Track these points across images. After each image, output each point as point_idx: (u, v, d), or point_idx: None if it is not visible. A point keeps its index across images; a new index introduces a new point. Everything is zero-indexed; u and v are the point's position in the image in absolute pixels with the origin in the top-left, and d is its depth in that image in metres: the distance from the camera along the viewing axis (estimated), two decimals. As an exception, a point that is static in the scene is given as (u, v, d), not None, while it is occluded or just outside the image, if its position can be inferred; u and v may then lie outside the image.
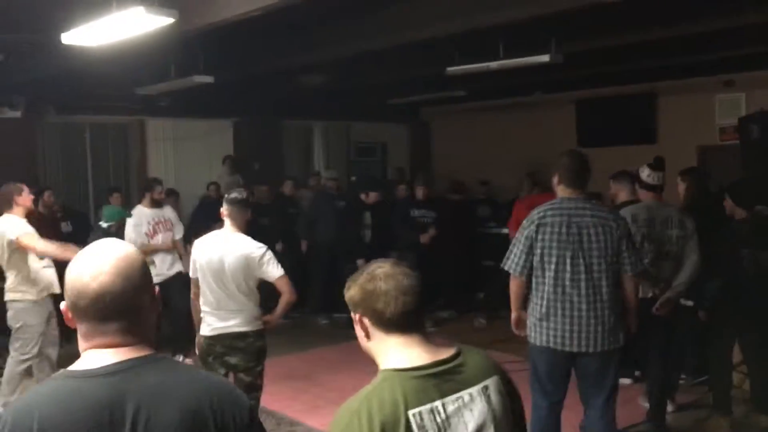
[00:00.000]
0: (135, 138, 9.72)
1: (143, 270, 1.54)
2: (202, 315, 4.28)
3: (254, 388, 4.26)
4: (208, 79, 6.58)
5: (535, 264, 3.71)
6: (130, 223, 6.46)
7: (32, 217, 5.63)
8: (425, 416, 1.65)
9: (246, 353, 4.21)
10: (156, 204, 6.80)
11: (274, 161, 10.63)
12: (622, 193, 5.41)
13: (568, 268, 3.63)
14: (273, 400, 5.80)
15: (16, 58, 6.69)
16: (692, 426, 5.08)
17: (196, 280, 4.29)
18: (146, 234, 6.59)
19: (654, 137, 9.54)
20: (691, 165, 7.63)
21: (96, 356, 1.47)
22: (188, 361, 6.09)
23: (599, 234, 3.64)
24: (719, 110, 9.00)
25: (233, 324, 4.18)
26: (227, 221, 4.29)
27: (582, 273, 3.63)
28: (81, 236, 7.41)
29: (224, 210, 4.29)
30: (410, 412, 1.64)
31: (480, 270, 9.12)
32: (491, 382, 1.75)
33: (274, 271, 4.17)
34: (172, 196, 8.88)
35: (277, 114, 10.56)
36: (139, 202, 6.95)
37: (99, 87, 8.05)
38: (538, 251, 3.68)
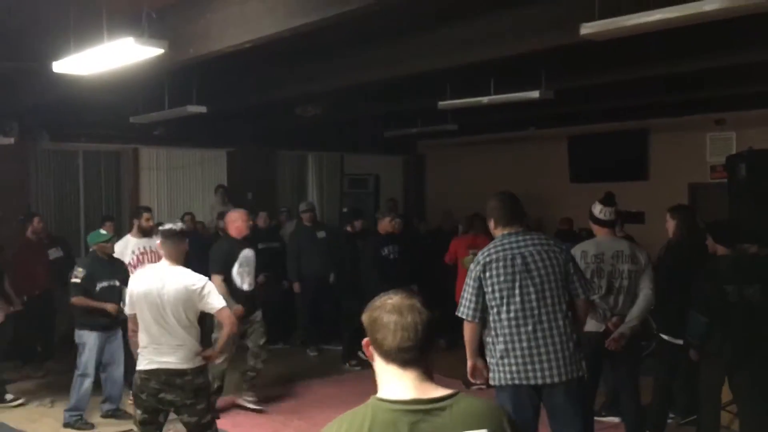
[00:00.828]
0: (128, 166, 9.74)
1: None
2: (139, 350, 4.12)
3: (207, 427, 4.14)
4: (202, 109, 6.61)
5: (488, 304, 3.67)
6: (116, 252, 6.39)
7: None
8: None
9: (184, 390, 4.03)
10: (144, 233, 6.60)
11: (267, 191, 10.65)
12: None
13: (519, 299, 3.60)
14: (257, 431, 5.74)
15: (9, 86, 6.73)
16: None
17: (134, 316, 4.14)
18: (130, 264, 6.37)
19: (646, 174, 9.61)
20: (682, 202, 7.67)
21: None
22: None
23: (545, 260, 3.65)
24: (710, 148, 9.08)
25: (171, 360, 4.02)
26: (163, 255, 4.16)
27: (534, 302, 3.61)
28: (68, 262, 7.43)
29: (159, 242, 4.22)
30: None
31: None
32: None
33: (215, 302, 4.09)
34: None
35: (271, 144, 10.61)
36: (130, 230, 6.88)
37: (93, 115, 8.09)
38: (489, 289, 3.65)
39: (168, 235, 4.17)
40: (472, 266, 3.78)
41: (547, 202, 10.33)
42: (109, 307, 5.80)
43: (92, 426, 5.93)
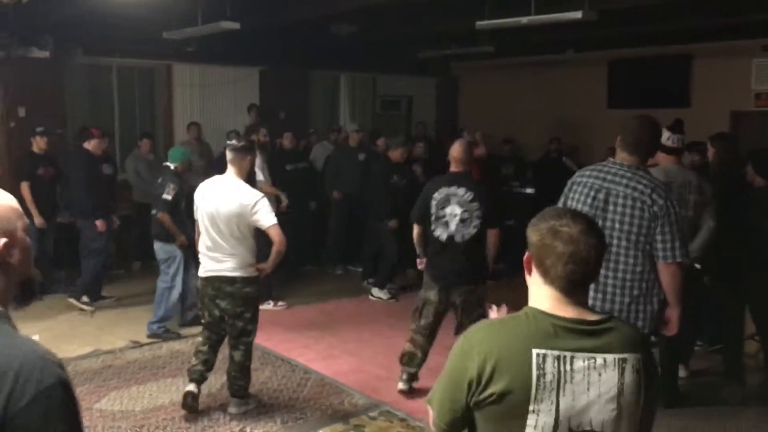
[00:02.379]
0: (161, 82, 9.72)
1: None
2: (200, 256, 4.50)
3: (244, 334, 4.49)
4: (235, 25, 6.53)
5: None
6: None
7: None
8: (549, 360, 1.66)
9: (234, 298, 4.37)
10: None
11: (299, 111, 10.59)
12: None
13: None
14: (288, 347, 5.92)
15: (44, -2, 6.68)
16: (705, 392, 5.08)
17: (197, 222, 4.51)
18: None
19: (687, 101, 9.34)
20: (723, 130, 7.48)
21: None
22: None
23: (626, 207, 3.32)
24: (756, 75, 8.77)
25: (224, 268, 4.35)
26: (229, 167, 4.43)
27: None
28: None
29: (227, 156, 4.44)
30: (535, 351, 1.66)
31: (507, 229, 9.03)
32: (632, 358, 1.71)
33: (265, 219, 4.29)
34: (192, 128, 8.98)
35: (303, 63, 10.48)
36: (165, 147, 6.99)
37: (126, 30, 8.02)
38: None
39: (233, 149, 4.43)
40: (568, 183, 3.58)
41: (583, 128, 10.16)
42: (181, 239, 5.98)
43: (179, 335, 6.15)
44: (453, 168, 4.95)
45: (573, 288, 1.72)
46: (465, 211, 4.71)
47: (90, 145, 6.99)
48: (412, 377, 4.93)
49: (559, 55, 10.14)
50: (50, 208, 7.31)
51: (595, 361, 1.68)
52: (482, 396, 1.69)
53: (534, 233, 1.76)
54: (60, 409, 1.29)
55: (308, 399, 4.88)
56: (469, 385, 1.70)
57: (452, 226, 4.72)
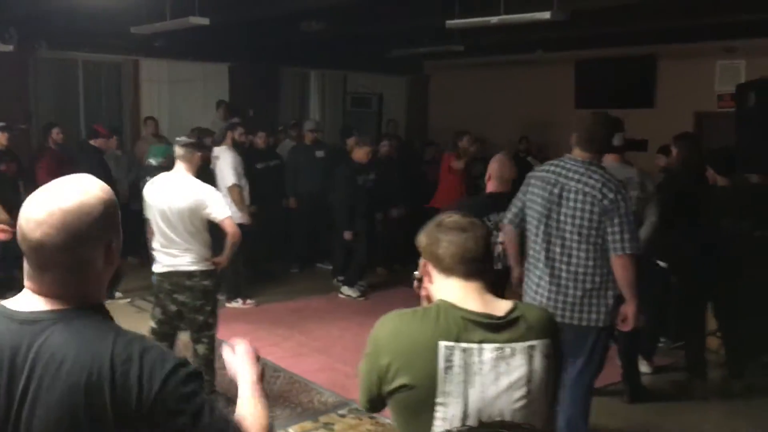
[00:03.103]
0: (128, 78, 9.60)
1: (97, 222, 1.39)
2: (154, 253, 4.51)
3: (206, 327, 4.50)
4: (204, 21, 6.46)
5: (526, 220, 3.63)
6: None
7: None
8: (456, 352, 1.68)
9: (193, 291, 4.39)
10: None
11: (269, 108, 10.54)
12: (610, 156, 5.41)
13: (542, 228, 3.49)
14: (257, 345, 5.78)
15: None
16: (668, 388, 5.18)
17: (149, 221, 4.51)
18: None
19: (652, 101, 9.50)
20: (687, 130, 7.62)
21: (27, 298, 1.42)
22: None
23: (578, 202, 3.39)
24: (719, 77, 8.94)
25: (181, 263, 4.37)
26: (179, 163, 4.44)
27: (551, 237, 3.45)
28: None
29: (176, 152, 4.47)
30: (442, 343, 1.69)
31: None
32: (540, 344, 1.75)
33: (218, 212, 4.34)
34: (150, 122, 8.90)
35: (273, 60, 10.43)
36: (133, 143, 6.93)
37: (93, 24, 7.90)
38: (528, 209, 3.60)
39: (182, 145, 4.46)
40: (527, 177, 3.70)
41: (552, 127, 10.26)
42: None
43: None
44: (496, 188, 4.41)
45: (473, 269, 1.77)
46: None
47: (97, 142, 7.34)
48: None
49: (528, 55, 10.22)
50: (14, 204, 7.17)
51: (503, 351, 1.71)
52: (391, 387, 1.73)
53: (422, 237, 1.85)
54: (188, 383, 1.39)
55: (277, 397, 4.87)
56: (379, 376, 1.75)
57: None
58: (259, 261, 8.65)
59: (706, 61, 9.00)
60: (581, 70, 10.21)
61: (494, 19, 6.21)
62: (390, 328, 1.77)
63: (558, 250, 3.47)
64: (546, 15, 5.81)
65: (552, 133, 10.19)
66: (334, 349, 5.87)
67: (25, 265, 1.42)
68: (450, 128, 11.16)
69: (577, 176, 3.45)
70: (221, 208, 4.36)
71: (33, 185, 6.93)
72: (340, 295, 7.57)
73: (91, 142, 7.39)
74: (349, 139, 8.56)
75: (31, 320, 1.38)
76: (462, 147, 8.19)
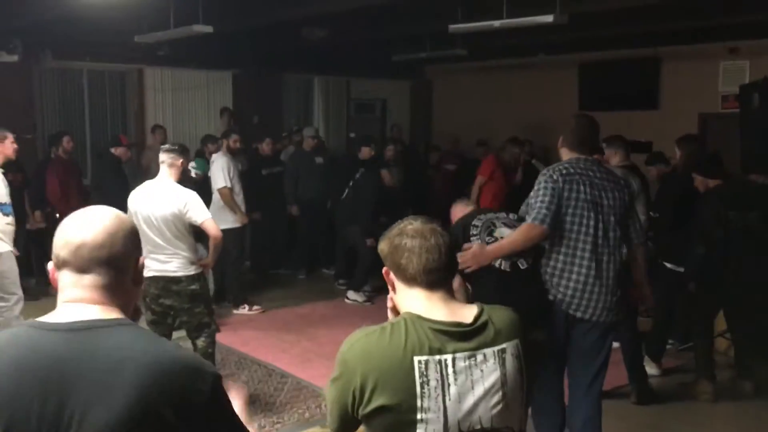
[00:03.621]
0: (133, 86, 9.63)
1: (132, 236, 1.53)
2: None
3: (202, 327, 4.59)
4: (208, 29, 6.48)
5: (564, 221, 3.45)
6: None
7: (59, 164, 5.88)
8: (431, 365, 1.65)
9: (180, 296, 4.49)
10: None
11: (273, 115, 10.56)
12: (615, 158, 5.41)
13: (592, 230, 3.43)
14: (265, 352, 5.90)
15: (12, 1, 6.59)
16: (677, 389, 5.16)
17: None
18: None
19: (656, 103, 9.49)
20: (692, 132, 7.61)
21: (66, 309, 1.42)
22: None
23: (615, 198, 3.49)
24: (723, 78, 8.92)
25: (168, 268, 4.46)
26: (163, 169, 4.55)
27: (601, 238, 3.44)
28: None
29: (161, 158, 4.57)
30: (416, 358, 1.65)
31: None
32: (510, 346, 1.73)
33: (198, 215, 4.43)
34: (158, 131, 8.89)
35: (276, 67, 10.46)
36: (138, 152, 6.97)
37: (97, 33, 7.94)
38: (569, 209, 3.43)
39: (165, 151, 4.59)
40: (543, 178, 3.49)
41: (556, 131, 10.16)
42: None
43: None
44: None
45: (435, 279, 1.73)
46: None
47: (118, 151, 7.51)
48: None
49: (531, 58, 10.23)
50: (20, 214, 7.21)
51: (476, 358, 1.69)
52: (367, 410, 1.67)
53: (383, 244, 1.80)
54: (224, 393, 1.47)
55: (285, 403, 4.87)
56: (353, 398, 1.68)
57: None
58: (265, 267, 8.68)
59: (710, 62, 8.99)
60: (585, 72, 10.20)
61: (497, 23, 6.21)
62: (359, 348, 1.70)
63: (606, 250, 3.48)
64: (549, 18, 5.82)
65: (556, 137, 10.12)
66: (341, 355, 5.86)
67: (60, 281, 1.46)
68: (454, 133, 11.21)
69: (603, 175, 3.54)
70: (201, 210, 4.46)
71: (41, 194, 6.96)
72: (347, 300, 7.57)
73: (112, 150, 7.53)
74: (364, 148, 8.42)
75: (78, 329, 1.38)
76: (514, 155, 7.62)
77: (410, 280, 1.73)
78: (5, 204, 5.28)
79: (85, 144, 9.29)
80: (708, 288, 5.02)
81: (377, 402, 1.65)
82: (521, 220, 3.73)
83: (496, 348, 1.71)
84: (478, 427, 1.68)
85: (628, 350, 4.92)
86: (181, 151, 4.69)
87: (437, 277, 1.73)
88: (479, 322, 1.72)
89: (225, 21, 6.89)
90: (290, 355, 5.85)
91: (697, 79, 9.06)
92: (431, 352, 1.65)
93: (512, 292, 3.61)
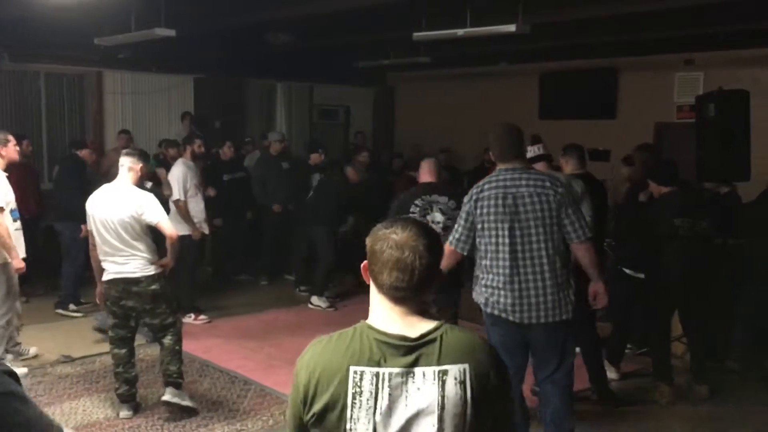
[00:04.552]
0: (92, 90, 9.48)
1: None
2: (102, 263, 4.60)
3: (166, 328, 4.65)
4: (170, 32, 6.40)
5: (478, 241, 3.73)
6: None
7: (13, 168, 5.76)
8: (366, 377, 1.62)
9: (141, 296, 4.54)
10: None
11: (235, 120, 10.49)
12: (569, 166, 5.50)
13: (507, 240, 3.61)
14: (227, 359, 5.84)
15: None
16: (635, 393, 5.26)
17: (91, 232, 4.61)
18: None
19: (614, 112, 9.69)
20: (648, 141, 7.79)
21: None
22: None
23: (535, 203, 3.61)
24: (678, 88, 9.16)
25: (127, 270, 4.51)
26: (123, 173, 4.61)
27: (519, 245, 3.61)
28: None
29: (121, 161, 4.65)
30: (352, 368, 1.62)
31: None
32: (454, 369, 1.63)
33: (153, 216, 4.51)
34: (123, 136, 8.76)
35: (239, 72, 10.39)
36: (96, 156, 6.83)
37: (55, 35, 7.80)
38: (479, 227, 3.71)
39: (126, 154, 4.69)
40: (465, 199, 3.79)
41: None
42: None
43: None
44: (427, 179, 5.10)
45: (401, 297, 1.68)
46: (449, 219, 4.80)
47: (82, 153, 7.33)
48: None
49: (493, 67, 10.36)
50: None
51: (414, 375, 1.62)
52: (308, 416, 1.67)
53: (369, 238, 1.74)
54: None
55: (249, 410, 4.83)
56: (303, 404, 1.69)
57: None
58: (227, 273, 8.60)
59: (666, 73, 9.22)
60: (545, 82, 10.37)
61: (460, 32, 6.28)
62: (309, 354, 1.71)
63: (526, 255, 3.62)
64: (511, 28, 5.91)
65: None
66: (304, 361, 5.83)
67: None
68: (416, 140, 11.27)
69: (522, 182, 3.65)
70: (156, 211, 4.52)
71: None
72: (310, 306, 7.54)
73: (77, 152, 7.36)
74: (314, 154, 8.44)
75: None
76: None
77: (379, 286, 1.71)
78: (15, 210, 5.37)
79: (42, 148, 9.10)
80: (661, 293, 5.15)
81: (316, 407, 1.65)
82: (458, 208, 4.27)
83: (436, 368, 1.62)
84: None
85: (589, 354, 5.01)
86: (141, 155, 4.75)
87: (403, 294, 1.68)
88: (425, 339, 1.65)
89: (188, 25, 6.82)
90: (253, 362, 5.81)
91: (654, 90, 9.28)
92: (369, 364, 1.62)
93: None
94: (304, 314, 7.36)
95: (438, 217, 4.86)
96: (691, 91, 8.29)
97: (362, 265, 1.76)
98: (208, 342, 6.26)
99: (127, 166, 4.59)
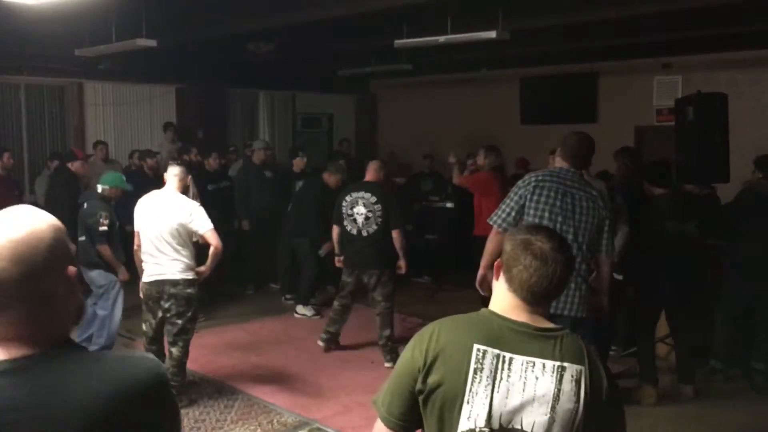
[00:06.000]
0: (73, 101, 9.43)
1: (52, 251, 1.25)
2: (143, 264, 4.89)
3: (184, 332, 4.90)
4: (152, 43, 6.40)
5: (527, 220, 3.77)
6: None
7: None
8: (488, 356, 1.72)
9: (177, 299, 4.80)
10: None
11: (218, 129, 10.47)
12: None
13: (558, 230, 3.67)
14: (214, 368, 5.82)
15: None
16: (621, 394, 5.28)
17: (138, 233, 4.91)
18: None
19: (594, 116, 9.78)
20: (628, 144, 7.86)
21: None
22: None
23: (589, 210, 3.77)
24: (657, 92, 9.28)
25: (168, 271, 4.78)
26: (170, 182, 4.93)
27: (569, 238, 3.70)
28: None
29: (170, 171, 4.95)
30: (476, 346, 1.73)
31: (426, 243, 9.24)
32: (571, 368, 1.74)
33: (201, 225, 4.78)
34: (100, 147, 8.71)
35: (221, 81, 10.38)
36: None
37: (35, 46, 7.76)
38: (531, 212, 3.75)
39: (177, 165, 5.04)
40: (521, 183, 3.87)
41: (498, 143, 10.39)
42: (122, 276, 5.82)
43: None
44: (367, 178, 6.08)
45: (534, 300, 1.79)
46: (369, 211, 5.84)
47: (74, 166, 7.29)
48: (332, 337, 6.14)
49: (474, 73, 10.43)
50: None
51: (534, 364, 1.73)
52: (426, 383, 1.75)
53: (508, 242, 1.85)
54: None
55: (236, 420, 4.81)
56: (418, 371, 1.77)
57: (359, 223, 5.86)
58: (213, 283, 8.54)
59: (645, 77, 9.34)
60: (526, 87, 10.45)
61: (441, 39, 6.33)
62: (434, 327, 1.82)
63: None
64: (492, 34, 5.96)
65: (499, 149, 10.36)
66: (292, 370, 5.83)
67: None
68: (398, 147, 11.31)
69: (577, 185, 3.82)
70: (204, 222, 4.78)
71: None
72: (296, 315, 7.53)
73: (69, 165, 7.31)
74: (295, 159, 8.42)
75: (3, 371, 1.20)
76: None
77: (514, 287, 1.80)
78: None
79: (22, 160, 9.03)
80: (647, 295, 5.20)
81: (435, 375, 1.74)
82: (378, 203, 5.79)
83: (556, 363, 1.74)
84: (519, 427, 1.72)
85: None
86: (187, 166, 5.16)
87: (538, 299, 1.79)
88: (548, 333, 1.77)
89: (169, 35, 6.82)
90: (240, 371, 5.79)
91: (633, 94, 9.39)
92: (492, 345, 1.73)
93: (354, 250, 6.00)
94: (290, 323, 7.35)
95: (361, 210, 5.87)
96: (670, 95, 8.40)
97: (496, 262, 1.86)
98: (195, 352, 6.17)
99: (176, 175, 4.90)
